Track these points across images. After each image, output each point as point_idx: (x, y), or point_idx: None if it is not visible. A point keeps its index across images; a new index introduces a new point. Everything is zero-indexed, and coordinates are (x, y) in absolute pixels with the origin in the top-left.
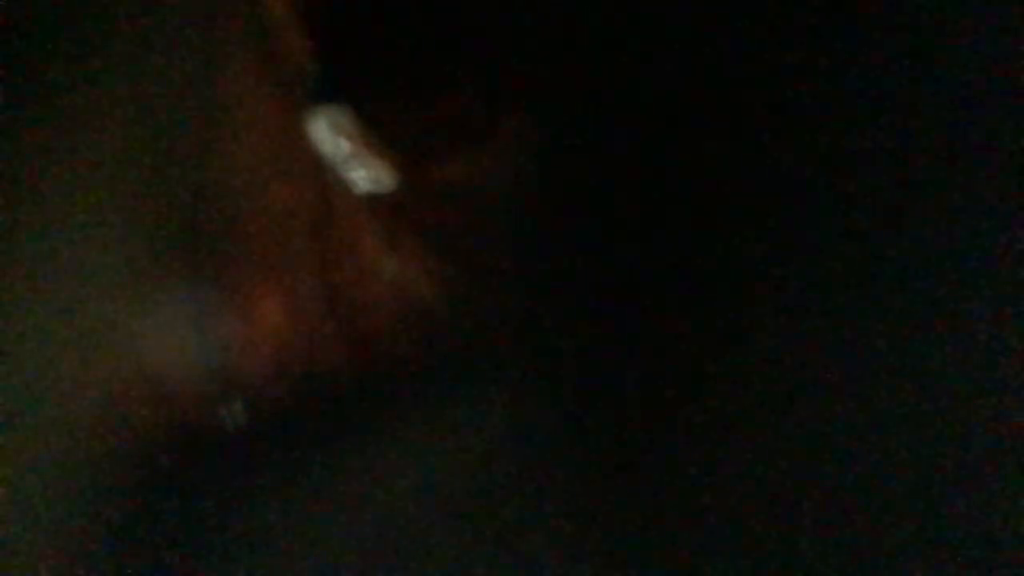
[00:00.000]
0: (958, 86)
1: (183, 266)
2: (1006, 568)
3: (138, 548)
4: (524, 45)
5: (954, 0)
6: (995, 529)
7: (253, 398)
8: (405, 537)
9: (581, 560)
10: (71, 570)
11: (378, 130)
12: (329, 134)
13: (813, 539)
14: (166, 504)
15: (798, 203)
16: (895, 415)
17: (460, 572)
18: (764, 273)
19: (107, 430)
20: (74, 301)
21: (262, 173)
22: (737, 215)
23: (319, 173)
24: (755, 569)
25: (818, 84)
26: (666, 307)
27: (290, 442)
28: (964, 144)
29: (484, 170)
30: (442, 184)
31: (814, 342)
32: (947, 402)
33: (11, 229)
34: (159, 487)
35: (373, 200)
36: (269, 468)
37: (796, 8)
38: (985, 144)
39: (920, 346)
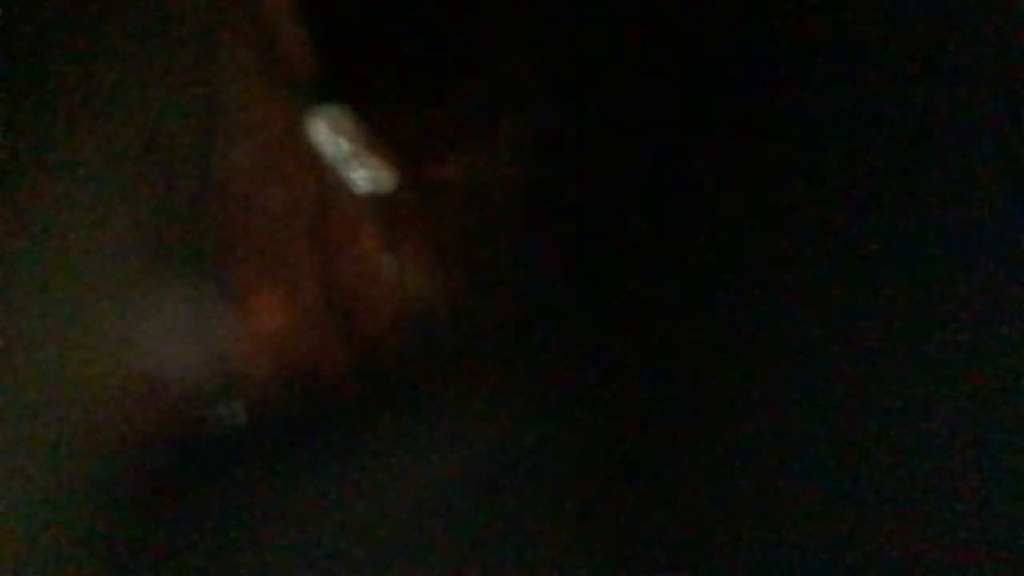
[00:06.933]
0: (957, 84)
1: (183, 266)
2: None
3: (137, 548)
4: (524, 45)
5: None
6: (1001, 528)
7: (253, 398)
8: (405, 538)
9: (585, 561)
10: (69, 570)
11: (378, 130)
12: (329, 134)
13: (824, 543)
14: (166, 504)
15: (799, 204)
16: (903, 415)
17: (462, 573)
18: (765, 274)
19: (107, 430)
20: (73, 301)
21: (262, 173)
22: (739, 216)
23: (319, 173)
24: (761, 571)
25: (818, 85)
26: (668, 308)
27: (290, 442)
28: (964, 142)
29: (484, 170)
30: (442, 184)
31: (820, 344)
32: (953, 401)
33: (10, 229)
34: (159, 487)
35: (373, 200)
36: (269, 468)
37: (796, 13)
38: (985, 143)
39: (923, 346)
